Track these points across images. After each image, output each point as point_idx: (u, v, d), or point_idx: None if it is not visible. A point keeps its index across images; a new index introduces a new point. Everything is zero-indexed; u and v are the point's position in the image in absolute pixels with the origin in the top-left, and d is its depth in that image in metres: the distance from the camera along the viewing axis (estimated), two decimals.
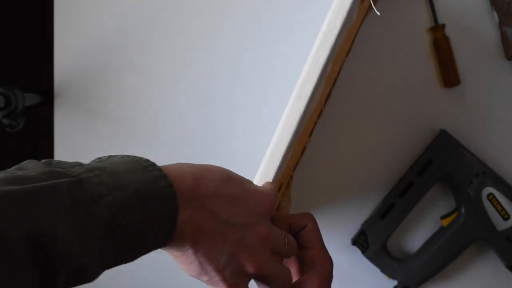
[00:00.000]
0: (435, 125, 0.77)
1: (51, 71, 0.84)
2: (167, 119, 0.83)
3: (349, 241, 0.79)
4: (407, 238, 0.79)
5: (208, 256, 0.42)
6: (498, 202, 0.73)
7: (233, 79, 0.81)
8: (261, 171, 0.53)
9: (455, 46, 0.76)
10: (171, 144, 0.82)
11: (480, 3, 0.76)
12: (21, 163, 0.38)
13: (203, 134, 0.81)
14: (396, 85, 0.78)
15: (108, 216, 0.35)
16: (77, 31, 0.84)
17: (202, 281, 0.43)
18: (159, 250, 0.41)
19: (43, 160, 0.38)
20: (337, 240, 0.79)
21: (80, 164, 0.38)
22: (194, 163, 0.44)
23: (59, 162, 0.38)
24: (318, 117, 0.74)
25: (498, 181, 0.74)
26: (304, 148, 0.74)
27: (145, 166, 0.39)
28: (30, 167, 0.37)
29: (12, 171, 0.36)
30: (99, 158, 0.41)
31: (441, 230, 0.76)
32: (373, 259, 0.77)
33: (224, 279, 0.42)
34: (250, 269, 0.43)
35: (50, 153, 0.83)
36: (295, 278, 0.48)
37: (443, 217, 0.76)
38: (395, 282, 0.77)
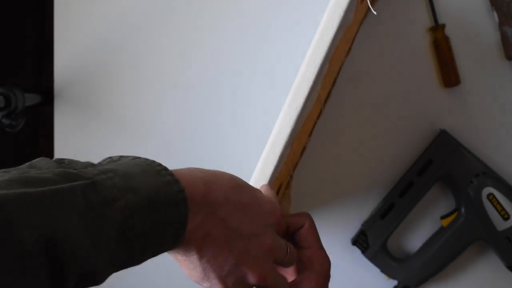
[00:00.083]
0: (435, 125, 0.77)
1: (51, 71, 0.84)
2: (167, 119, 0.83)
3: (349, 241, 0.79)
4: (407, 238, 0.79)
5: (213, 263, 0.42)
6: (498, 202, 0.73)
7: (231, 79, 0.81)
8: (258, 169, 0.53)
9: (455, 46, 0.76)
10: (171, 143, 0.82)
11: (480, 3, 0.76)
12: (33, 161, 0.38)
13: (202, 133, 0.81)
14: (396, 85, 0.78)
15: (120, 219, 0.35)
16: (77, 31, 0.84)
17: (203, 286, 0.43)
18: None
19: (54, 159, 0.38)
20: (337, 240, 0.79)
21: (92, 165, 0.38)
22: (204, 168, 0.44)
23: (71, 162, 0.38)
24: (318, 117, 0.74)
25: (498, 181, 0.74)
26: (304, 148, 0.74)
27: (158, 170, 0.39)
28: (42, 165, 0.37)
29: (24, 169, 0.36)
30: (109, 157, 0.41)
31: (441, 230, 0.76)
32: (373, 259, 0.77)
33: (227, 287, 0.42)
34: (253, 279, 0.43)
35: (50, 153, 0.84)
36: (292, 277, 0.48)
37: (443, 217, 0.76)
38: (395, 282, 0.77)
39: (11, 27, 1.05)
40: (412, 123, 0.78)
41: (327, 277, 0.48)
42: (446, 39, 0.76)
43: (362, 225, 0.78)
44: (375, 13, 0.59)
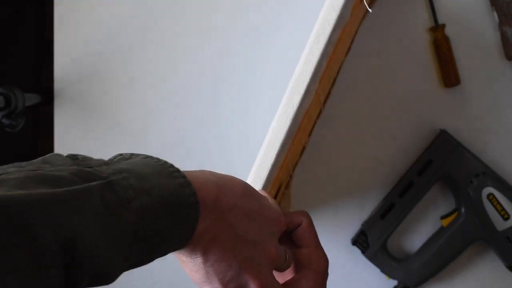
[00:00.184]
0: (435, 125, 0.77)
1: (51, 71, 0.84)
2: (167, 119, 0.83)
3: (349, 241, 0.79)
4: (407, 238, 0.79)
5: (217, 267, 0.42)
6: (498, 202, 0.73)
7: (228, 78, 0.81)
8: (255, 168, 0.53)
9: (455, 46, 0.76)
10: (171, 143, 0.82)
11: (480, 3, 0.76)
12: (46, 156, 0.37)
13: (201, 132, 0.81)
14: (396, 85, 0.78)
15: (135, 220, 0.35)
16: (77, 31, 0.84)
17: None
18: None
19: (68, 154, 0.38)
20: (337, 240, 0.79)
21: (106, 163, 0.38)
22: (215, 171, 0.44)
23: (84, 158, 0.38)
24: (318, 117, 0.74)
25: (498, 181, 0.74)
26: (304, 148, 0.74)
27: (171, 171, 0.39)
28: (56, 161, 0.36)
29: (38, 165, 0.36)
30: (120, 154, 0.41)
31: (441, 230, 0.76)
32: (373, 259, 0.77)
33: None
34: (254, 287, 0.43)
35: (50, 153, 0.83)
36: (290, 276, 0.48)
37: (443, 217, 0.76)
38: (395, 282, 0.77)
39: (11, 27, 1.05)
40: (412, 123, 0.78)
41: (325, 275, 0.48)
42: (446, 39, 0.76)
43: (362, 225, 0.78)
44: (370, 10, 0.59)
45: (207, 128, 0.81)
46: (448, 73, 0.76)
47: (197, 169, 0.43)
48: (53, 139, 0.84)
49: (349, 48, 0.76)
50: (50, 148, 0.84)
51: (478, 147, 0.76)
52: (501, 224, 0.73)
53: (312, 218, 0.50)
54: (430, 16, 0.77)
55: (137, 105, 0.83)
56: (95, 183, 0.34)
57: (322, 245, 0.49)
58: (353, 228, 0.79)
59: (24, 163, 0.36)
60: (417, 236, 0.79)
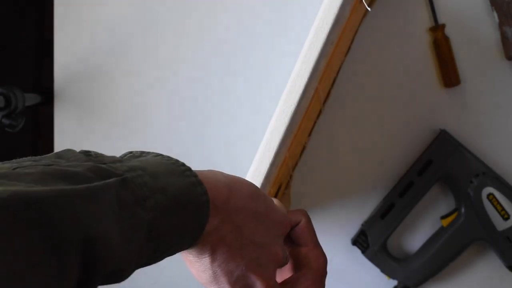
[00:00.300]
0: (435, 125, 0.77)
1: (51, 71, 0.84)
2: (167, 119, 0.83)
3: (349, 241, 0.79)
4: (407, 238, 0.79)
5: (224, 268, 0.42)
6: (498, 202, 0.73)
7: (227, 76, 0.81)
8: (254, 166, 0.53)
9: (455, 46, 0.76)
10: (171, 143, 0.82)
11: (480, 3, 0.76)
12: (60, 151, 0.37)
13: (200, 132, 0.81)
14: (396, 85, 0.78)
15: (149, 219, 0.35)
16: (77, 31, 0.84)
17: None
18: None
19: (81, 150, 0.38)
20: (337, 240, 0.79)
21: (119, 160, 0.38)
22: (225, 172, 0.44)
23: (97, 154, 0.38)
24: (318, 116, 0.74)
25: (498, 181, 0.74)
26: (304, 148, 0.74)
27: (182, 170, 0.39)
28: (70, 157, 0.36)
29: (52, 159, 0.36)
30: (130, 152, 0.41)
31: (441, 230, 0.76)
32: (373, 259, 0.77)
33: None
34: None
35: (50, 153, 0.83)
36: (289, 275, 0.48)
37: (443, 217, 0.76)
38: (395, 282, 0.77)
39: (11, 27, 1.05)
40: (412, 123, 0.78)
41: (323, 274, 0.48)
42: (446, 39, 0.76)
43: (362, 225, 0.78)
44: (369, 9, 0.59)
45: (207, 128, 0.81)
46: (448, 73, 0.76)
47: (197, 169, 0.44)
48: (53, 139, 0.84)
49: (349, 48, 0.76)
50: (50, 148, 0.84)
51: (478, 147, 0.76)
52: (501, 224, 0.73)
53: (312, 218, 0.50)
54: (430, 16, 0.77)
55: (137, 105, 0.83)
56: (111, 180, 0.34)
57: (322, 245, 0.49)
58: (353, 228, 0.79)
59: (37, 157, 0.36)
60: (417, 236, 0.79)
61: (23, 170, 0.33)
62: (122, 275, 0.35)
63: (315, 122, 0.74)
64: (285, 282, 0.47)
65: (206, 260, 0.41)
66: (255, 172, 0.53)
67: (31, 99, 0.83)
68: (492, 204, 0.73)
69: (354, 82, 0.78)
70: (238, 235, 0.42)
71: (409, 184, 0.76)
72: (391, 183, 0.78)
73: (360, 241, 0.77)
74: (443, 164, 0.75)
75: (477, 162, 0.74)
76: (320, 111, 0.73)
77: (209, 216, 0.39)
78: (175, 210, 0.37)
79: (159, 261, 0.39)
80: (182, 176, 0.39)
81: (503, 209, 0.73)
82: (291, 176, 0.70)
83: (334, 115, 0.78)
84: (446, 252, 0.75)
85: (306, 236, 0.48)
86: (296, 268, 0.48)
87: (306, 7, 0.77)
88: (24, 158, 0.35)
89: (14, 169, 0.33)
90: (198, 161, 0.82)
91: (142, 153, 0.41)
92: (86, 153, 0.38)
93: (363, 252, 0.77)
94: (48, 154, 0.37)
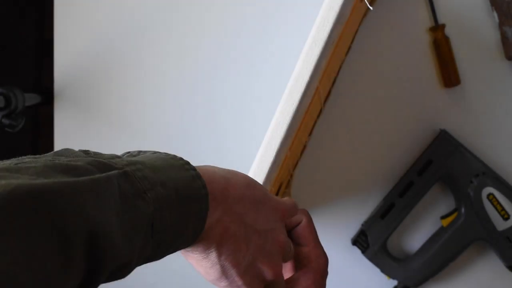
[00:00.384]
0: (435, 125, 0.77)
1: (51, 71, 0.84)
2: (167, 118, 0.83)
3: (349, 241, 0.79)
4: (407, 238, 0.79)
5: (232, 260, 0.42)
6: (498, 202, 0.73)
7: (228, 75, 0.81)
8: (255, 166, 0.53)
9: (455, 46, 0.76)
10: (171, 143, 0.82)
11: (480, 3, 0.76)
12: (58, 150, 0.37)
13: (200, 131, 0.81)
14: (396, 85, 0.78)
15: (150, 211, 0.35)
16: (77, 31, 0.84)
17: (220, 286, 0.43)
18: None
19: (79, 149, 0.38)
20: (337, 240, 0.79)
21: (118, 157, 0.38)
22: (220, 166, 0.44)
23: (96, 153, 0.38)
24: (318, 116, 0.74)
25: (498, 181, 0.74)
26: (304, 148, 0.74)
27: (182, 164, 0.40)
28: (69, 154, 0.37)
29: (52, 157, 0.36)
30: (128, 152, 0.41)
31: (441, 230, 0.76)
32: (373, 259, 0.77)
33: (245, 284, 0.43)
34: (269, 275, 0.44)
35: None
36: (290, 275, 0.48)
37: (443, 217, 0.76)
38: (395, 282, 0.77)
39: (11, 27, 1.05)
40: (412, 123, 0.78)
41: (324, 273, 0.48)
42: (446, 39, 0.76)
43: (362, 225, 0.78)
44: (371, 8, 0.59)
45: (208, 127, 0.81)
46: (448, 73, 0.76)
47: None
48: (53, 139, 0.84)
49: (349, 48, 0.76)
50: (50, 148, 0.84)
51: (478, 147, 0.76)
52: (501, 224, 0.73)
53: (312, 217, 0.50)
54: (430, 16, 0.77)
55: (137, 104, 0.83)
56: (112, 172, 0.34)
57: (322, 245, 0.49)
58: (353, 228, 0.79)
59: (37, 156, 0.36)
60: (417, 236, 0.79)
61: (24, 164, 0.33)
62: (124, 272, 0.35)
63: (315, 121, 0.74)
64: (286, 281, 0.47)
65: (213, 254, 0.41)
66: (256, 170, 0.53)
67: (31, 99, 0.83)
68: (492, 204, 0.73)
69: (355, 81, 0.78)
70: (241, 224, 0.42)
71: (409, 184, 0.76)
72: (391, 183, 0.78)
73: (360, 241, 0.77)
74: (443, 164, 0.75)
75: (477, 162, 0.74)
76: (321, 111, 0.73)
77: (209, 209, 0.39)
78: (176, 202, 0.37)
79: (163, 256, 0.39)
80: (182, 169, 0.39)
81: (503, 209, 0.73)
82: (291, 175, 0.70)
83: (334, 114, 0.78)
84: (446, 252, 0.75)
85: (307, 235, 0.48)
86: (297, 267, 0.48)
87: (307, 6, 0.77)
88: (23, 157, 0.35)
89: (16, 164, 0.33)
90: (198, 160, 0.82)
91: (140, 152, 0.41)
92: (85, 152, 0.38)
93: (363, 252, 0.77)
94: (46, 154, 0.37)
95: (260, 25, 0.80)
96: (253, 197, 0.44)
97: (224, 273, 0.42)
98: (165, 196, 0.37)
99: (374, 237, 0.76)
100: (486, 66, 0.77)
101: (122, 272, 0.35)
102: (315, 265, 0.47)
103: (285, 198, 0.50)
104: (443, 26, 0.76)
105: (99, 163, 0.35)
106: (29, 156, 0.35)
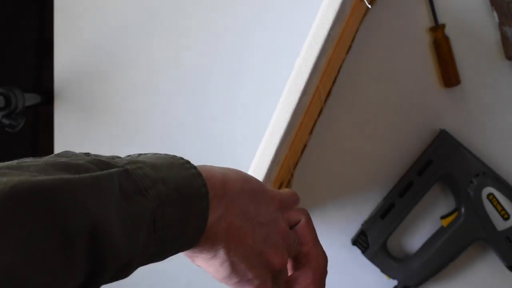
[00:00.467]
0: (435, 125, 0.77)
1: (51, 71, 0.84)
2: (167, 118, 0.83)
3: (349, 241, 0.79)
4: (407, 238, 0.79)
5: (240, 255, 0.42)
6: (498, 202, 0.73)
7: (227, 75, 0.81)
8: (254, 164, 0.53)
9: (455, 46, 0.76)
10: (171, 142, 0.82)
11: (480, 3, 0.76)
12: (59, 153, 0.38)
13: (200, 130, 0.81)
14: (396, 85, 0.78)
15: (152, 209, 0.36)
16: (77, 31, 0.84)
17: (230, 284, 0.43)
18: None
19: (80, 152, 0.38)
20: (337, 240, 0.79)
21: (118, 157, 0.39)
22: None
23: (97, 155, 0.38)
24: (319, 115, 0.74)
25: (498, 181, 0.74)
26: (305, 147, 0.74)
27: (182, 163, 0.40)
28: (70, 155, 0.37)
29: (52, 158, 0.36)
30: (128, 155, 0.41)
31: (441, 230, 0.76)
32: (373, 259, 0.77)
33: (255, 277, 0.43)
34: (277, 265, 0.44)
35: (50, 153, 0.83)
36: (289, 273, 0.48)
37: (443, 217, 0.76)
38: (395, 282, 0.77)
39: (11, 26, 1.05)
40: (412, 123, 0.78)
41: (323, 273, 0.48)
42: (446, 39, 0.76)
43: (362, 225, 0.78)
44: (369, 6, 0.59)
45: (208, 126, 0.81)
46: (448, 73, 0.76)
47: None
48: (53, 139, 0.84)
49: (349, 47, 0.76)
50: (50, 148, 0.84)
51: (478, 147, 0.76)
52: (501, 224, 0.73)
53: (312, 217, 0.50)
54: (430, 16, 0.77)
55: (137, 104, 0.83)
56: (113, 169, 0.35)
57: (322, 245, 0.49)
58: (353, 228, 0.79)
59: (36, 158, 0.36)
60: (417, 236, 0.79)
61: (25, 163, 0.33)
62: (127, 272, 0.35)
63: (316, 121, 0.74)
64: (285, 281, 0.47)
65: (221, 251, 0.42)
66: (256, 169, 0.53)
67: (31, 99, 0.83)
68: (492, 204, 0.73)
69: (355, 81, 0.78)
70: (244, 218, 0.42)
71: (409, 184, 0.76)
72: (391, 183, 0.78)
73: (360, 241, 0.77)
74: (443, 164, 0.75)
75: (477, 162, 0.74)
76: (321, 110, 0.73)
77: (211, 206, 0.40)
78: (177, 199, 0.37)
79: (167, 255, 0.39)
80: (182, 168, 0.40)
81: (503, 209, 0.73)
82: (292, 175, 0.70)
83: (334, 114, 0.78)
84: (446, 252, 0.75)
85: (307, 234, 0.49)
86: (296, 266, 0.48)
87: (307, 4, 0.77)
88: (24, 158, 0.35)
89: (18, 163, 0.33)
90: (198, 159, 0.82)
91: (140, 155, 0.41)
92: (86, 154, 0.38)
93: (363, 252, 0.77)
94: (48, 156, 0.37)
95: (260, 23, 0.80)
96: (252, 190, 0.44)
97: (234, 269, 0.42)
98: (166, 193, 0.37)
99: (374, 237, 0.76)
100: (486, 66, 0.77)
101: (124, 271, 0.35)
102: (314, 265, 0.47)
103: (284, 189, 0.50)
104: (443, 26, 0.76)
105: (100, 162, 0.35)
106: (29, 158, 0.36)
